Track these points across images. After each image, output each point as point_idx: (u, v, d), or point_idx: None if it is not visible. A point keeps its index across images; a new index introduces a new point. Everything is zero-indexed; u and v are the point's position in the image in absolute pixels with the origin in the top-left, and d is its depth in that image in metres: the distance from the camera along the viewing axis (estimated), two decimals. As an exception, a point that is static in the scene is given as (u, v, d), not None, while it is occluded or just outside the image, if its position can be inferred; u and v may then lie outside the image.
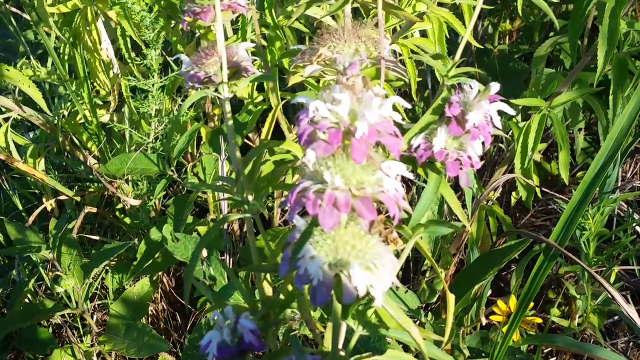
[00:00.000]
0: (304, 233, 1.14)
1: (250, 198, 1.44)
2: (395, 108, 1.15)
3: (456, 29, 2.01)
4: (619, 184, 2.87)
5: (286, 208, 1.14)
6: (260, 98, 2.73)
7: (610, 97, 2.48)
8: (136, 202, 2.64)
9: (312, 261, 1.12)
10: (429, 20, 2.02)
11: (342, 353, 1.40)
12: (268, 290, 1.55)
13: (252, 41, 2.26)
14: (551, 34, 2.96)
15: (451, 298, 1.41)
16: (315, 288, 1.12)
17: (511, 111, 1.36)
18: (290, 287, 1.44)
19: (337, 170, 1.10)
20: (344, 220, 1.15)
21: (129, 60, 2.63)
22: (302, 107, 1.13)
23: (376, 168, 1.11)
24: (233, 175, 1.59)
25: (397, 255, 1.32)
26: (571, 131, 2.87)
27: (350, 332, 1.41)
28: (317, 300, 1.12)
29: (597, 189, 2.41)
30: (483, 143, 1.37)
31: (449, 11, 2.01)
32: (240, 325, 1.42)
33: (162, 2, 2.67)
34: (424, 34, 2.31)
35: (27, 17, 2.85)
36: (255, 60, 2.28)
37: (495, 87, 1.33)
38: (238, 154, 1.44)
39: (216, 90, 1.46)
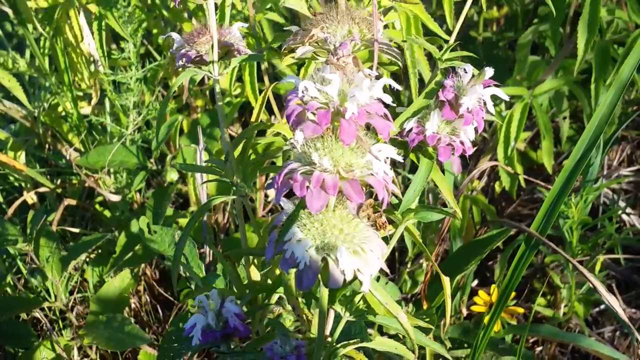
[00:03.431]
0: (291, 215, 1.12)
1: (239, 180, 1.42)
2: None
3: (426, 24, 1.98)
4: (605, 172, 2.87)
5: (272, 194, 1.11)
6: (239, 90, 2.70)
7: (592, 85, 2.47)
8: (116, 198, 2.60)
9: (299, 244, 1.10)
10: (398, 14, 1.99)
11: (329, 340, 1.38)
12: (255, 275, 1.52)
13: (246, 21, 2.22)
14: (535, 20, 2.95)
15: (446, 280, 1.39)
16: (301, 272, 1.10)
17: (505, 97, 1.35)
18: (277, 272, 1.42)
19: (325, 151, 1.08)
20: (332, 204, 1.13)
21: (101, 55, 2.59)
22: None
23: (366, 151, 1.09)
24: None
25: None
26: (558, 119, 2.87)
27: (337, 322, 1.40)
28: (303, 284, 1.10)
29: (581, 177, 2.41)
30: (476, 129, 1.36)
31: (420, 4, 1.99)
32: (225, 309, 1.40)
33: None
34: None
35: (5, 9, 2.81)
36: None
37: (489, 71, 1.31)
38: (227, 135, 1.42)
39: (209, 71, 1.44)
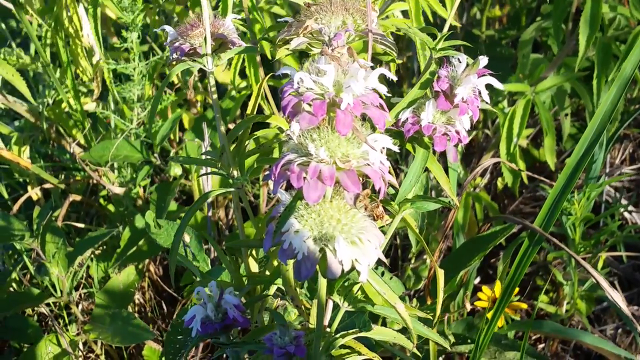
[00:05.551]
0: (288, 207, 1.13)
1: (236, 173, 1.43)
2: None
3: (436, 9, 1.98)
4: (607, 170, 2.87)
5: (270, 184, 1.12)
6: (244, 84, 2.71)
7: (594, 82, 2.48)
8: (120, 190, 2.61)
9: (296, 235, 1.11)
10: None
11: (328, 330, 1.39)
12: (254, 267, 1.53)
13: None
14: (538, 18, 2.96)
15: (440, 273, 1.40)
16: (299, 262, 1.11)
17: (500, 86, 1.35)
18: (276, 263, 1.43)
19: (322, 142, 1.09)
20: (329, 194, 1.14)
21: (96, 41, 2.58)
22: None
23: (362, 141, 1.10)
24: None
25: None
26: (560, 117, 2.87)
27: (336, 312, 1.41)
28: (301, 274, 1.11)
29: (584, 174, 2.41)
30: (471, 118, 1.36)
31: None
32: (224, 301, 1.41)
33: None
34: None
35: (9, 5, 2.82)
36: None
37: (483, 60, 1.32)
38: (223, 128, 1.43)
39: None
